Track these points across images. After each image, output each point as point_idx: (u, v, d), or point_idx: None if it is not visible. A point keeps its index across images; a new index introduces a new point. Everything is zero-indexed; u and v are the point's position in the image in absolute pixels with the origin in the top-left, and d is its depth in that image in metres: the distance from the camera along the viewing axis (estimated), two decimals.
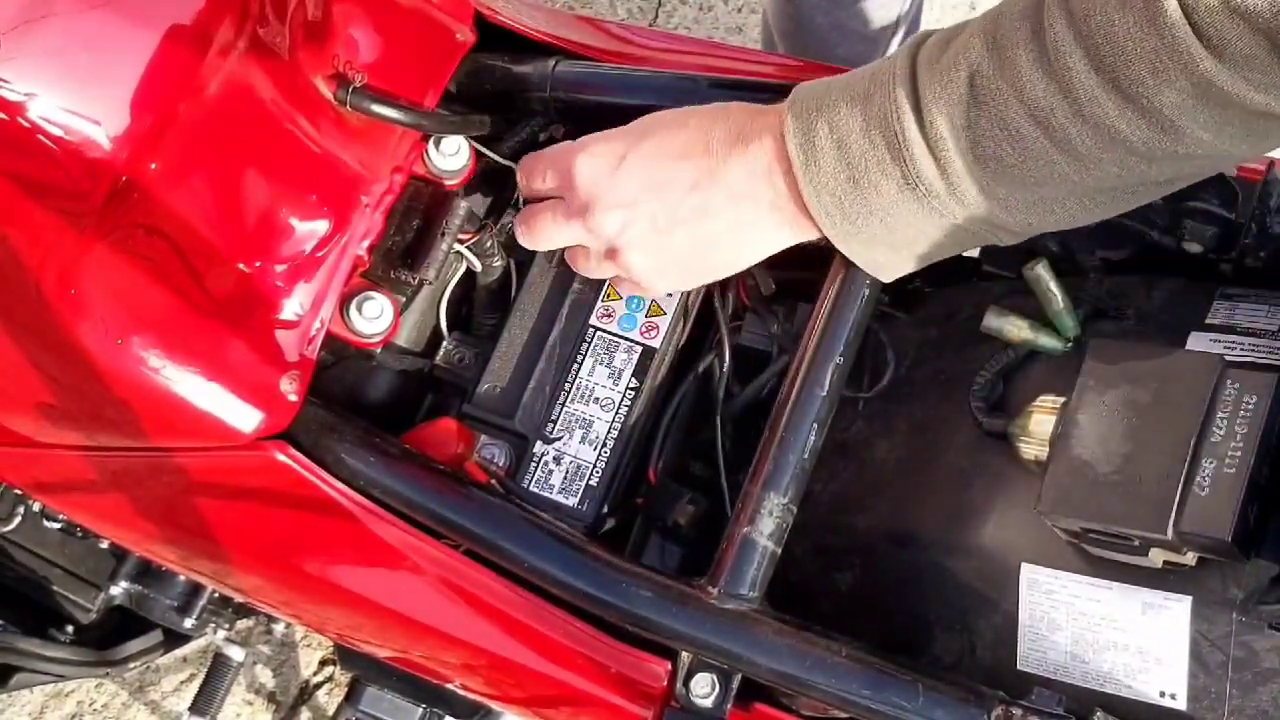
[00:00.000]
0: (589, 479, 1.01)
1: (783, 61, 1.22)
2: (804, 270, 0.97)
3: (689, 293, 1.04)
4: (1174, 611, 0.85)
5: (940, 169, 0.82)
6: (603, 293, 1.04)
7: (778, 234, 0.91)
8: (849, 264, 0.92)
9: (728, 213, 0.91)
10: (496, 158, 1.05)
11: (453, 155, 1.02)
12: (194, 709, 1.59)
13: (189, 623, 1.40)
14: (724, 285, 1.06)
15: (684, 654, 0.91)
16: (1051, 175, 0.81)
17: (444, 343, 1.05)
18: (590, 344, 1.03)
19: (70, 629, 1.42)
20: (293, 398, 0.95)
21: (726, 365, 1.03)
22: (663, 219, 0.92)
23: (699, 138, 0.91)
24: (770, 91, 0.95)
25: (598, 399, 1.02)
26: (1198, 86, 0.74)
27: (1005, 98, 0.79)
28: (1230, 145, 0.78)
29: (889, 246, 0.88)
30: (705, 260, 0.94)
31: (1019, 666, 0.90)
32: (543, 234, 0.98)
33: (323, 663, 1.91)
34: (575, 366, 1.03)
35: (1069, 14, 0.77)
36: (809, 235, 0.90)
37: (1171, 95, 0.75)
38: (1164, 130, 0.77)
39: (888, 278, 0.91)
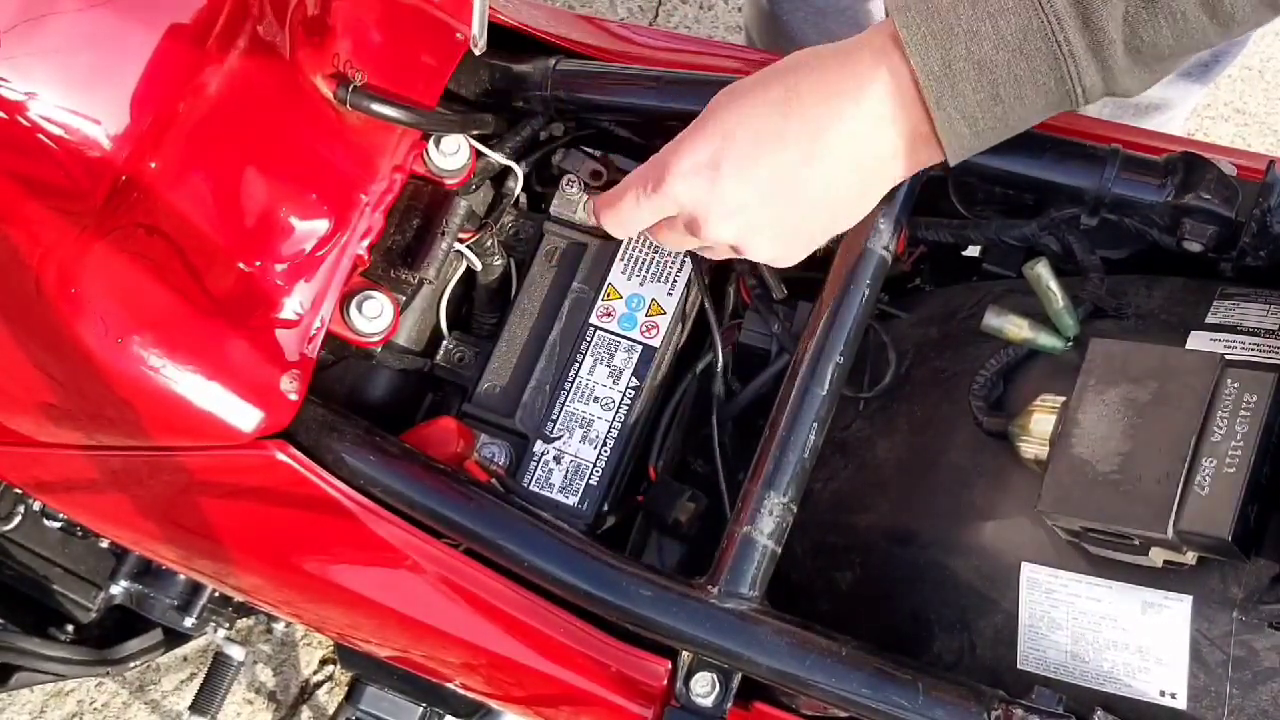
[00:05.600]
0: (589, 478, 1.01)
1: (778, 59, 1.22)
2: (805, 270, 0.97)
3: (687, 293, 1.04)
4: (1174, 611, 0.85)
5: (1103, 71, 0.83)
6: (602, 292, 1.04)
7: (903, 168, 0.88)
8: (849, 263, 0.92)
9: (849, 175, 0.87)
10: (497, 157, 1.05)
11: (453, 154, 1.02)
12: (194, 708, 1.59)
13: (189, 622, 1.41)
14: (722, 283, 1.06)
15: (684, 653, 0.91)
16: (1197, 47, 0.83)
17: (444, 342, 1.05)
18: (590, 343, 1.03)
19: (70, 628, 1.42)
20: (293, 397, 0.95)
21: (720, 363, 1.03)
22: (784, 209, 0.87)
23: (789, 108, 0.86)
24: None
25: (598, 398, 1.02)
26: None
27: None
28: None
29: (994, 138, 0.87)
30: (834, 221, 0.90)
31: (1019, 665, 0.90)
32: (666, 243, 0.95)
33: (323, 662, 1.91)
34: (575, 366, 1.03)
35: None
36: (932, 161, 0.88)
37: None
38: None
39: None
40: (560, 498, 1.01)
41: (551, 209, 1.06)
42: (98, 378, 0.92)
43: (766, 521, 0.90)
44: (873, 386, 1.01)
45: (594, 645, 0.94)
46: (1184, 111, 1.73)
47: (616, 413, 1.02)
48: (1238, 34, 0.84)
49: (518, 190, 1.07)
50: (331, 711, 1.60)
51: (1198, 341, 0.89)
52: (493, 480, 0.99)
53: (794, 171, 0.86)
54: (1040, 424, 0.88)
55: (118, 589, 1.37)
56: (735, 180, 0.87)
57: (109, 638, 1.44)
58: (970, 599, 0.92)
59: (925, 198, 0.98)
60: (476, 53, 0.96)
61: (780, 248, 0.90)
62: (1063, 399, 0.88)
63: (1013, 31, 0.82)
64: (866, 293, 0.94)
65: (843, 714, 0.90)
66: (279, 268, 0.95)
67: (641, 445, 1.03)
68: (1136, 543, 0.83)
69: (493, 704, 1.20)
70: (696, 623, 0.90)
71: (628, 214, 0.92)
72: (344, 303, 0.98)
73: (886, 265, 0.95)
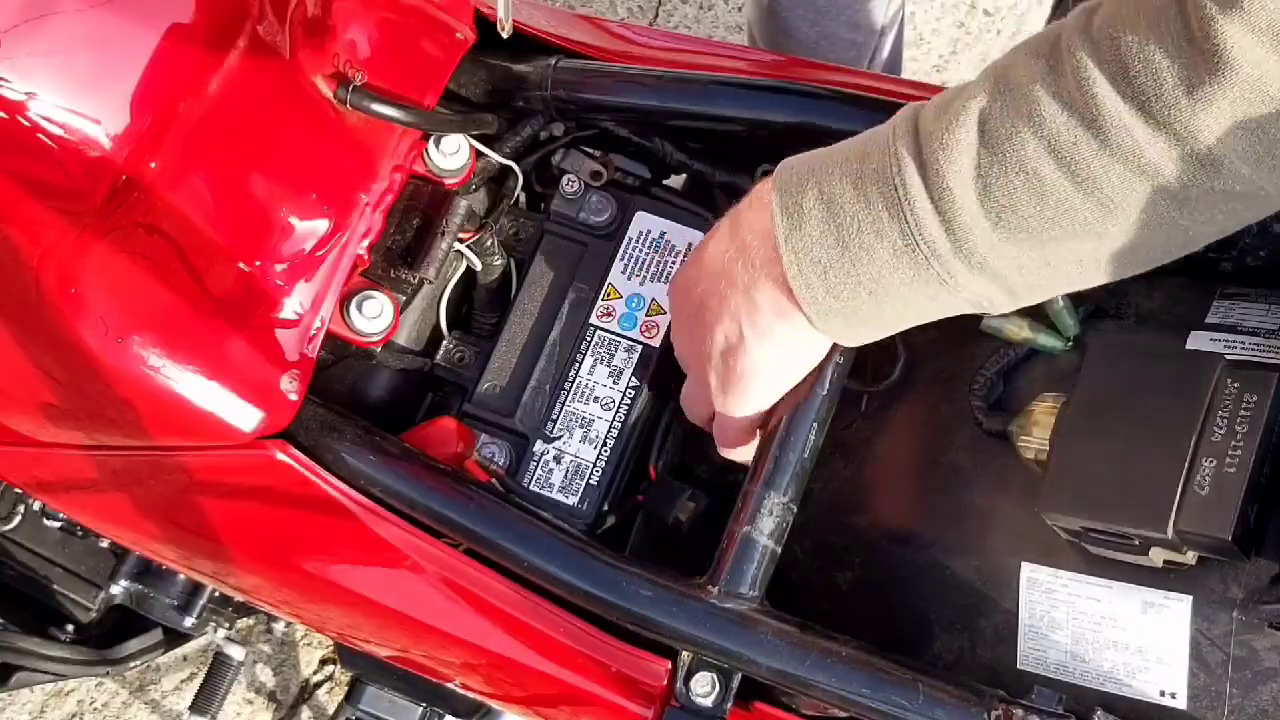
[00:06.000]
0: (589, 478, 1.01)
1: (779, 59, 1.22)
2: None
3: None
4: (1174, 610, 0.85)
5: (945, 224, 0.74)
6: (603, 292, 1.04)
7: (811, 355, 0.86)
8: None
9: (755, 341, 0.84)
10: (497, 157, 1.05)
11: (453, 154, 1.02)
12: (194, 708, 1.59)
13: (189, 622, 1.41)
14: None
15: (684, 653, 0.91)
16: (1071, 226, 0.73)
17: (444, 342, 1.05)
18: (590, 343, 1.03)
19: (70, 628, 1.42)
20: (293, 397, 0.95)
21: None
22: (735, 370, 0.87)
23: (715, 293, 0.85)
24: (780, 92, 0.95)
25: (598, 398, 1.02)
26: (1237, 106, 0.66)
27: (1021, 137, 0.71)
28: (1271, 181, 0.70)
29: (869, 323, 0.81)
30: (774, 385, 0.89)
31: (1019, 665, 0.90)
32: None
33: (323, 662, 1.91)
34: (575, 365, 1.03)
35: (1091, 41, 0.70)
36: (794, 317, 0.82)
37: (1209, 119, 0.67)
38: (1200, 161, 0.69)
39: (851, 343, 0.86)
40: (560, 497, 1.01)
41: (552, 209, 1.06)
42: (98, 377, 0.92)
43: (766, 521, 0.90)
44: (875, 382, 1.01)
45: (594, 645, 0.94)
46: None
47: (616, 412, 1.02)
48: (1121, 220, 0.72)
49: (518, 190, 1.07)
50: (331, 711, 1.60)
51: (1198, 341, 0.89)
52: (493, 480, 0.99)
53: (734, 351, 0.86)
54: (1040, 424, 0.88)
55: (118, 589, 1.37)
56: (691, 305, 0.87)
57: (109, 638, 1.44)
58: (970, 599, 0.92)
59: None
60: (504, 36, 0.96)
61: (716, 381, 0.89)
62: (1063, 399, 0.88)
63: (859, 165, 0.76)
64: None
65: (842, 714, 0.90)
66: (279, 267, 0.95)
67: (642, 445, 1.03)
68: (1136, 542, 0.83)
69: (493, 704, 1.20)
70: (696, 622, 0.90)
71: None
72: (344, 303, 0.98)
73: None
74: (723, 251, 0.84)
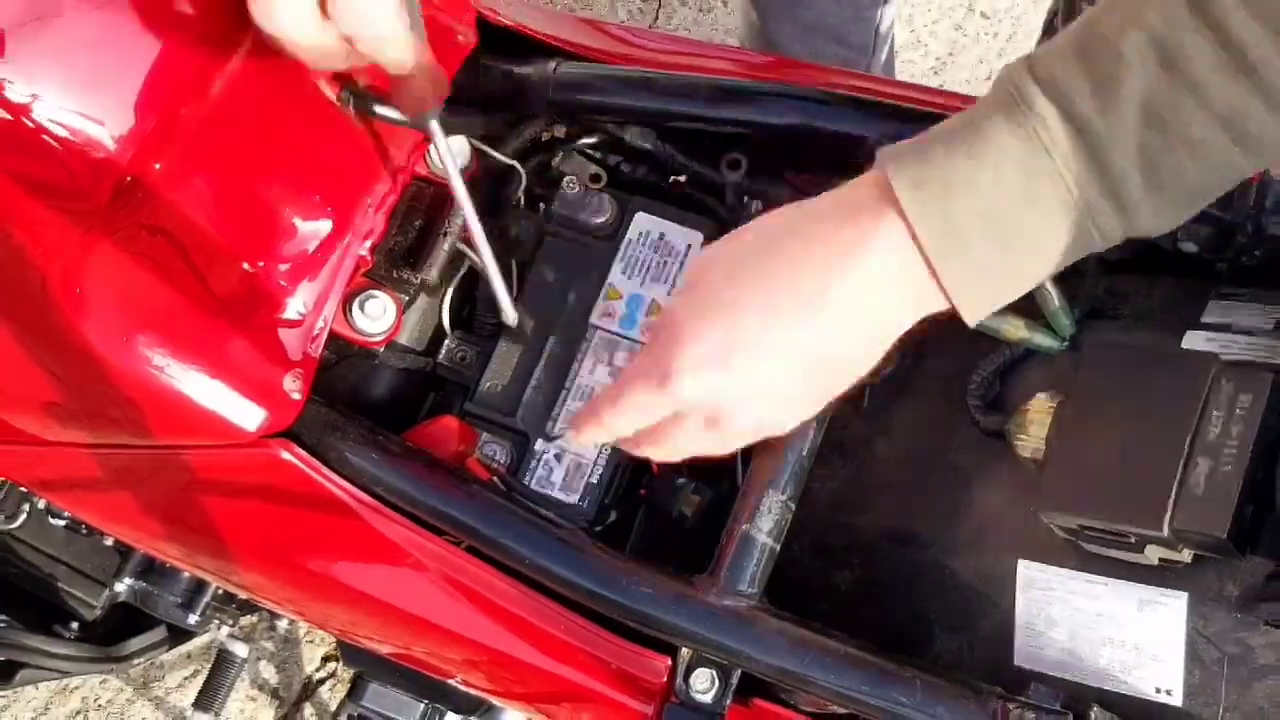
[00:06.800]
0: (589, 476, 1.01)
1: (778, 62, 1.22)
2: None
3: None
4: (1170, 608, 0.85)
5: (1120, 211, 0.74)
6: (603, 292, 1.04)
7: (912, 318, 0.79)
8: None
9: (858, 335, 0.78)
10: (500, 157, 1.05)
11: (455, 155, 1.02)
12: (198, 705, 1.59)
13: (193, 619, 1.41)
14: None
15: (684, 650, 0.91)
16: (1228, 178, 0.74)
17: (446, 341, 1.06)
18: (591, 343, 1.04)
19: (75, 625, 1.42)
20: (296, 396, 0.95)
21: None
22: (803, 381, 0.79)
23: (786, 279, 0.77)
24: (780, 95, 0.94)
25: None
26: None
27: (1190, 113, 0.71)
28: None
29: (1015, 289, 0.78)
30: (849, 378, 0.81)
31: (1016, 663, 0.90)
32: (673, 448, 0.83)
33: (326, 659, 1.92)
34: (576, 365, 1.03)
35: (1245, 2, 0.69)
36: (943, 307, 0.78)
37: None
38: None
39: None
40: (561, 495, 1.01)
41: (552, 210, 1.06)
42: (102, 377, 0.93)
43: (766, 519, 0.91)
44: (873, 375, 1.01)
45: (594, 642, 0.94)
46: None
47: None
48: (1271, 161, 0.74)
49: (520, 191, 1.07)
50: (334, 708, 1.61)
51: (1193, 341, 0.89)
52: (494, 478, 0.99)
53: (807, 343, 0.78)
54: (1037, 423, 0.89)
55: (122, 586, 1.38)
56: (750, 365, 0.78)
57: (113, 635, 1.45)
58: (968, 597, 0.92)
59: None
60: None
61: (802, 412, 0.82)
62: (1059, 398, 0.88)
63: (1016, 178, 0.73)
64: None
65: (842, 710, 0.90)
66: (282, 268, 0.96)
67: None
68: (1133, 540, 0.84)
69: (494, 700, 1.20)
70: (696, 620, 0.90)
71: (633, 417, 0.82)
72: (347, 303, 0.99)
73: None
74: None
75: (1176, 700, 0.85)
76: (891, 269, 0.76)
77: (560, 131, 1.08)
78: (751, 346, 0.78)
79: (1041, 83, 0.73)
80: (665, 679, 0.93)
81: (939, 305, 0.77)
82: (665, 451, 0.83)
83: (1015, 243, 0.74)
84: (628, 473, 1.03)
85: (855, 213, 0.76)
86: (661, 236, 1.05)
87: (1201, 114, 0.71)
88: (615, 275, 1.05)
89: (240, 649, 1.58)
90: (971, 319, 0.77)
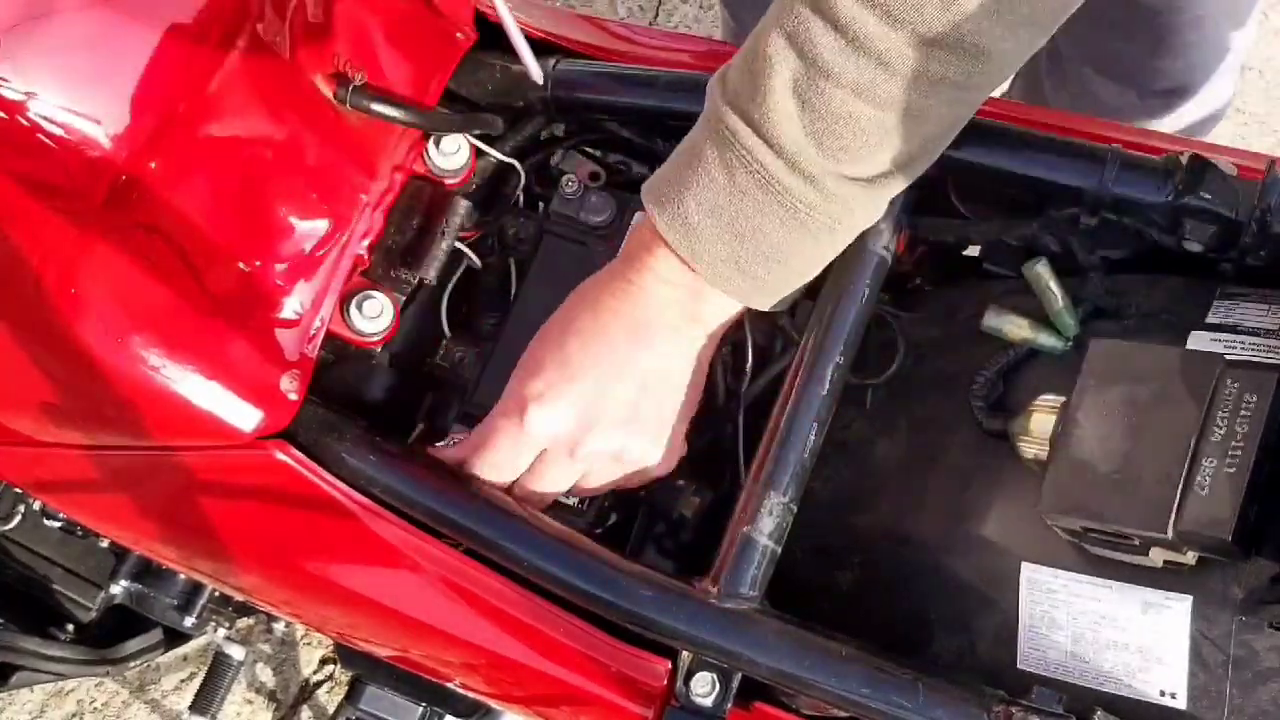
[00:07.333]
0: None
1: None
2: None
3: None
4: (1174, 611, 0.85)
5: (806, 179, 0.84)
6: None
7: (718, 324, 0.92)
8: (850, 263, 0.92)
9: (677, 359, 0.93)
10: (499, 155, 1.05)
11: (453, 154, 1.02)
12: (194, 708, 1.59)
13: (189, 621, 1.40)
14: None
15: (684, 653, 0.91)
16: (891, 138, 0.84)
17: (444, 342, 1.05)
18: None
19: (71, 628, 1.42)
20: (293, 396, 0.95)
21: (720, 362, 1.03)
22: (642, 405, 0.93)
23: (594, 316, 0.92)
24: None
25: None
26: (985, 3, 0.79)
27: (828, 93, 0.82)
28: (1028, 46, 0.84)
29: (792, 282, 0.90)
30: (678, 397, 0.95)
31: (1019, 665, 0.90)
32: (549, 481, 0.96)
33: (323, 661, 1.91)
34: None
35: None
36: (728, 308, 0.91)
37: (968, 23, 0.80)
38: (975, 57, 0.81)
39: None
40: (561, 497, 1.01)
41: (551, 209, 1.06)
42: (98, 377, 0.92)
43: (766, 521, 0.90)
44: (876, 375, 1.01)
45: (594, 645, 0.94)
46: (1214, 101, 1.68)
47: None
48: (932, 119, 0.85)
49: (519, 190, 1.07)
50: (331, 711, 1.60)
51: (1198, 341, 0.89)
52: None
53: (624, 365, 0.92)
54: (1040, 424, 0.88)
55: (118, 588, 1.37)
56: (585, 392, 0.91)
57: (109, 637, 1.44)
58: (970, 599, 0.92)
59: (926, 197, 0.98)
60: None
61: (657, 435, 0.94)
62: (1063, 399, 0.88)
63: (721, 175, 0.85)
64: (866, 293, 0.94)
65: (843, 714, 0.90)
66: (279, 267, 0.95)
67: None
68: (1137, 543, 0.83)
69: (493, 703, 1.20)
70: (696, 623, 0.90)
71: (504, 458, 0.94)
72: (344, 302, 0.98)
73: (887, 265, 0.96)
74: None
75: (1181, 704, 0.85)
76: (671, 283, 0.89)
77: (559, 130, 1.08)
78: (582, 376, 0.91)
79: (725, 91, 0.86)
80: (665, 682, 0.92)
81: (722, 303, 0.90)
82: (546, 487, 0.95)
83: (742, 228, 0.86)
84: None
85: (641, 245, 0.90)
86: None
87: (839, 92, 0.82)
88: None
89: (237, 652, 1.57)
90: (759, 301, 0.90)
